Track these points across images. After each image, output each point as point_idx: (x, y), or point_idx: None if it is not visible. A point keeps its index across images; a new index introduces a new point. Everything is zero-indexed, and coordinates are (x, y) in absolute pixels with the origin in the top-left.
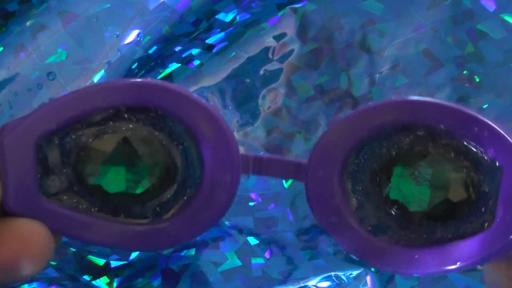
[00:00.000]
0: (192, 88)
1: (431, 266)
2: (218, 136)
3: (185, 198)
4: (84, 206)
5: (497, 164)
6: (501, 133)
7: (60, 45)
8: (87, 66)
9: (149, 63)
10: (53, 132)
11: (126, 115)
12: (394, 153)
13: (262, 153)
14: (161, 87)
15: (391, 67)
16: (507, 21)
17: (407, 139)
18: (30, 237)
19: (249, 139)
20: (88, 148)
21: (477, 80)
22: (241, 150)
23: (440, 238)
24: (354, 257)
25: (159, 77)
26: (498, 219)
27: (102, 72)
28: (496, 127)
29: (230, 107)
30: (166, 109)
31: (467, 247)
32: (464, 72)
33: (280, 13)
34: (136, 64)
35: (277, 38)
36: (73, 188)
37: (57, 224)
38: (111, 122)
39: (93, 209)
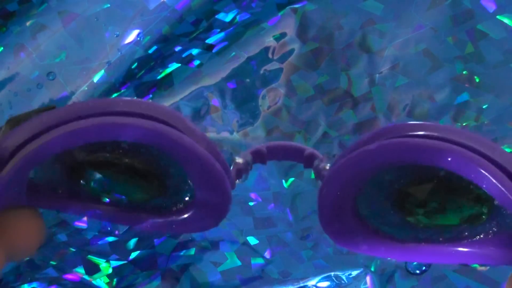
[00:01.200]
0: (192, 88)
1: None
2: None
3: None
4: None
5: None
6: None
7: (60, 45)
8: (87, 66)
9: (149, 63)
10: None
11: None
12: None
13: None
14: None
15: (391, 67)
16: (506, 23)
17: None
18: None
19: (249, 139)
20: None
21: (477, 80)
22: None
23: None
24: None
25: (159, 77)
26: None
27: (102, 72)
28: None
29: (230, 107)
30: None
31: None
32: (464, 72)
33: (280, 13)
34: (136, 64)
35: (277, 38)
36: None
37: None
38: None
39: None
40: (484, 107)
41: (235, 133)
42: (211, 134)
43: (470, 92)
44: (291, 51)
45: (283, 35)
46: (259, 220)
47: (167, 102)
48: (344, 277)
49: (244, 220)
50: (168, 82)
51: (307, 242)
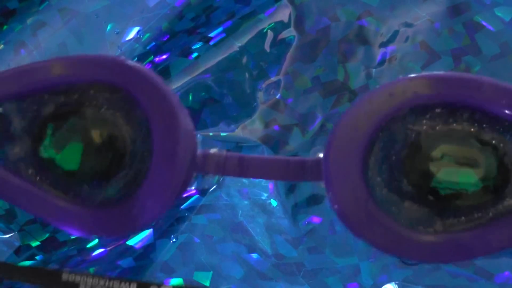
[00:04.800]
0: (189, 80)
1: (476, 250)
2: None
3: (133, 181)
4: (38, 179)
5: None
6: None
7: (60, 42)
8: None
9: (147, 58)
10: (14, 97)
11: (92, 91)
12: (418, 137)
13: (260, 147)
14: (125, 66)
15: (388, 59)
16: (501, 16)
17: (427, 120)
18: None
19: (247, 132)
20: (48, 120)
21: (474, 73)
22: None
23: (480, 218)
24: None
25: (156, 70)
26: None
27: None
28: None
29: (227, 100)
30: (128, 90)
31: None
32: (461, 64)
33: (276, 4)
34: (135, 59)
35: (274, 29)
36: (30, 159)
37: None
38: (76, 96)
39: (44, 184)
40: None
41: (232, 126)
42: (209, 127)
43: None
44: (288, 43)
45: (279, 26)
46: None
47: None
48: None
49: (240, 202)
50: (166, 75)
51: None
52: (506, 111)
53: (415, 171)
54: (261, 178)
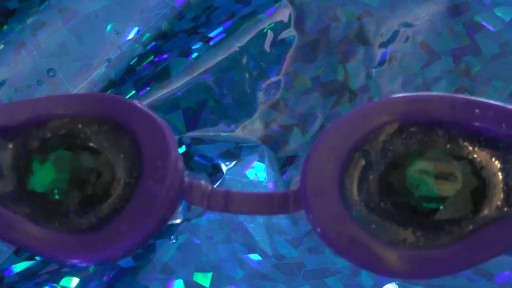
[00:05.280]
0: (189, 80)
1: (460, 264)
2: (158, 143)
3: (117, 208)
4: (26, 212)
5: None
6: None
7: (60, 42)
8: (87, 63)
9: (147, 58)
10: (2, 131)
11: (80, 125)
12: (398, 151)
13: (261, 147)
14: (115, 99)
15: (388, 59)
16: (501, 16)
17: (406, 137)
18: None
19: (247, 132)
20: (35, 152)
21: (474, 73)
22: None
23: (460, 231)
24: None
25: (156, 70)
26: None
27: (103, 69)
28: (498, 104)
29: (227, 100)
30: (117, 120)
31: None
32: (461, 64)
33: (276, 4)
34: (135, 59)
35: (274, 29)
36: (16, 194)
37: None
38: (63, 131)
39: (32, 217)
40: None
41: (232, 126)
42: (209, 127)
43: (467, 84)
44: (288, 43)
45: (280, 26)
46: None
47: (164, 94)
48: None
49: None
50: (166, 75)
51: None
52: (478, 125)
53: (393, 189)
54: (245, 214)
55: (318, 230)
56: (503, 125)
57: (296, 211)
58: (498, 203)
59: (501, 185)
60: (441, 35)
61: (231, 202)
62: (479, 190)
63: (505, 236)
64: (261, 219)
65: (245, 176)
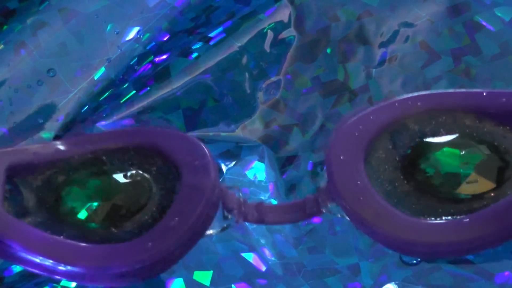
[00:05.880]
0: (189, 80)
1: (482, 232)
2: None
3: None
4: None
5: None
6: None
7: (60, 42)
8: (87, 63)
9: (147, 58)
10: (27, 172)
11: (104, 157)
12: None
13: (260, 147)
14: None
15: (388, 59)
16: (501, 16)
17: (430, 126)
18: None
19: (247, 132)
20: (66, 185)
21: (474, 72)
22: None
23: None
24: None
25: (156, 70)
26: None
27: (103, 69)
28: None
29: (227, 100)
30: (144, 147)
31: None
32: (461, 64)
33: (276, 4)
34: (135, 59)
35: (274, 29)
36: (47, 224)
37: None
38: (91, 165)
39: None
40: None
41: (232, 126)
42: (209, 127)
43: (467, 84)
44: (288, 43)
45: (280, 26)
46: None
47: (164, 94)
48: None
49: None
50: (166, 75)
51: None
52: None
53: (418, 167)
54: (281, 224)
55: (346, 206)
56: None
57: (327, 209)
58: None
59: None
60: (441, 35)
61: (264, 214)
62: (502, 172)
63: None
64: None
65: (245, 176)
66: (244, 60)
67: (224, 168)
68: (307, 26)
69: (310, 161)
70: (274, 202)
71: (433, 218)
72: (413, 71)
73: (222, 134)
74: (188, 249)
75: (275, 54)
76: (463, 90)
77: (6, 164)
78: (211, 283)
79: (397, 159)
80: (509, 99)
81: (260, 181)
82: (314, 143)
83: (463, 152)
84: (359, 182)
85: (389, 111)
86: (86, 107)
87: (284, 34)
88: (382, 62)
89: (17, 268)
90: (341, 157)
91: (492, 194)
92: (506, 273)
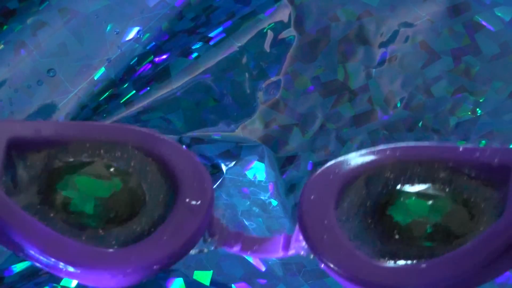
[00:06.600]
0: (189, 80)
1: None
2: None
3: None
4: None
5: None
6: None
7: (60, 42)
8: (87, 63)
9: (147, 58)
10: (27, 145)
11: (102, 151)
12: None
13: (260, 147)
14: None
15: (388, 59)
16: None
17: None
18: None
19: (247, 132)
20: (62, 165)
21: (473, 72)
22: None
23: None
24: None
25: (156, 70)
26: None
27: (103, 69)
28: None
29: (227, 100)
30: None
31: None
32: (461, 64)
33: (276, 4)
34: (135, 59)
35: (274, 29)
36: (36, 207)
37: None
38: (86, 154)
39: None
40: (480, 100)
41: (232, 126)
42: (208, 128)
43: (467, 84)
44: (288, 43)
45: (280, 26)
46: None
47: (164, 94)
48: None
49: (240, 202)
50: (166, 75)
51: None
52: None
53: (380, 212)
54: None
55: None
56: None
57: (302, 247)
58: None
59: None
60: (441, 35)
61: (243, 244)
62: (464, 217)
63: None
64: (261, 217)
65: (245, 176)
66: (244, 60)
67: (224, 168)
68: (307, 26)
69: (310, 161)
70: (274, 202)
71: (394, 262)
72: (413, 71)
73: (222, 134)
74: (167, 267)
75: (275, 54)
76: (440, 144)
77: (9, 136)
78: (211, 283)
79: (368, 204)
80: (483, 154)
81: (260, 181)
82: (314, 143)
83: (432, 202)
84: (325, 222)
85: (366, 158)
86: (86, 107)
87: (284, 34)
88: (382, 62)
89: (17, 268)
90: (312, 197)
91: (454, 243)
92: (506, 273)
